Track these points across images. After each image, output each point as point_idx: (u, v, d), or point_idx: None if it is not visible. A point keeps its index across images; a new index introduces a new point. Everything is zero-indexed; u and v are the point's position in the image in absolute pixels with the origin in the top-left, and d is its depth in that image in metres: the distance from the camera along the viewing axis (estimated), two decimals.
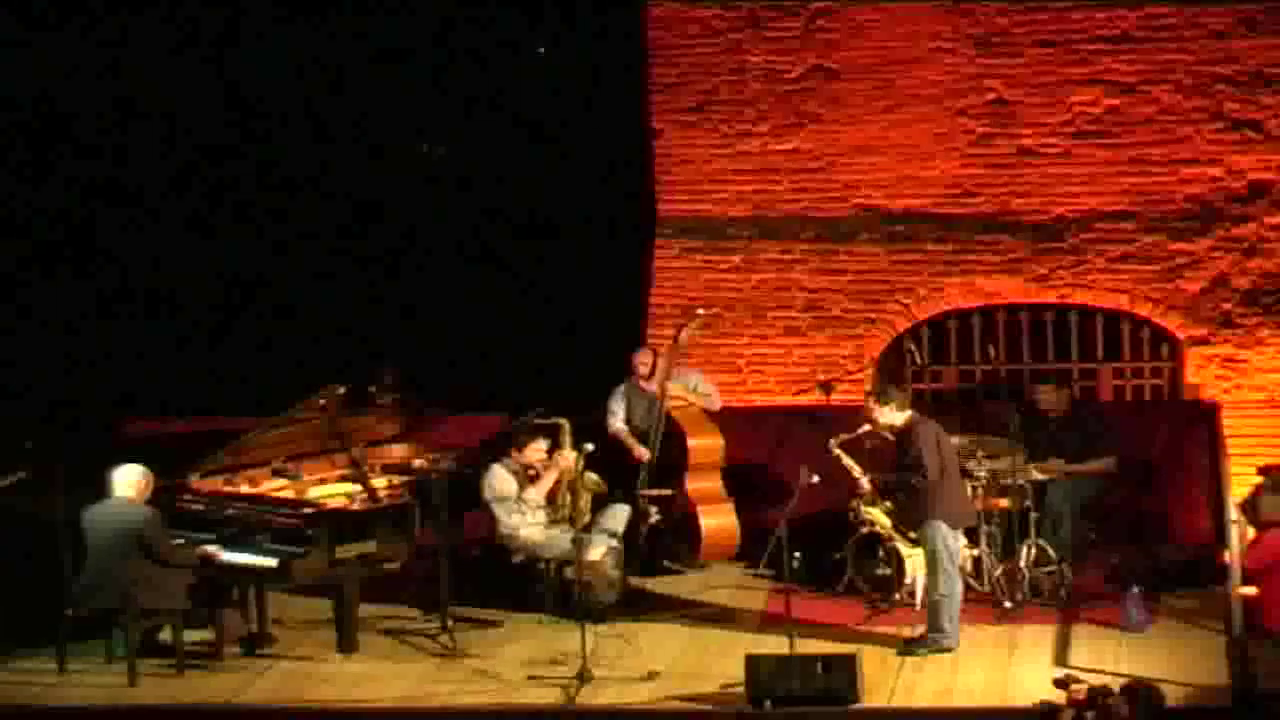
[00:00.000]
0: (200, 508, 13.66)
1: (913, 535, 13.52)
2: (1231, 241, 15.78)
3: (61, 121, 17.02)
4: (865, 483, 13.89)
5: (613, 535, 14.15)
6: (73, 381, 16.51)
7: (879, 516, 13.92)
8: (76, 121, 17.02)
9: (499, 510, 14.07)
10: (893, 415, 13.18)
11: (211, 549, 13.29)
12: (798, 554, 13.49)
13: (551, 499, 14.17)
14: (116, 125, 17.00)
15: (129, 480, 13.14)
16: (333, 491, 14.04)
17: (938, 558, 12.95)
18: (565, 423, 14.32)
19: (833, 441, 13.91)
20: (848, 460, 13.93)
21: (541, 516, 14.17)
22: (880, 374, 15.98)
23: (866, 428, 13.60)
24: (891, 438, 13.39)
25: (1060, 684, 11.82)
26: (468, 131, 16.95)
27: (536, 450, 14.10)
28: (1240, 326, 15.75)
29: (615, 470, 14.57)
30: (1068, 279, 15.99)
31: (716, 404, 15.32)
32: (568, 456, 14.15)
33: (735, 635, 13.49)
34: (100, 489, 13.17)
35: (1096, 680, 11.64)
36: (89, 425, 15.69)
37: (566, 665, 12.87)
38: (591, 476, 14.27)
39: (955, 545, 13.06)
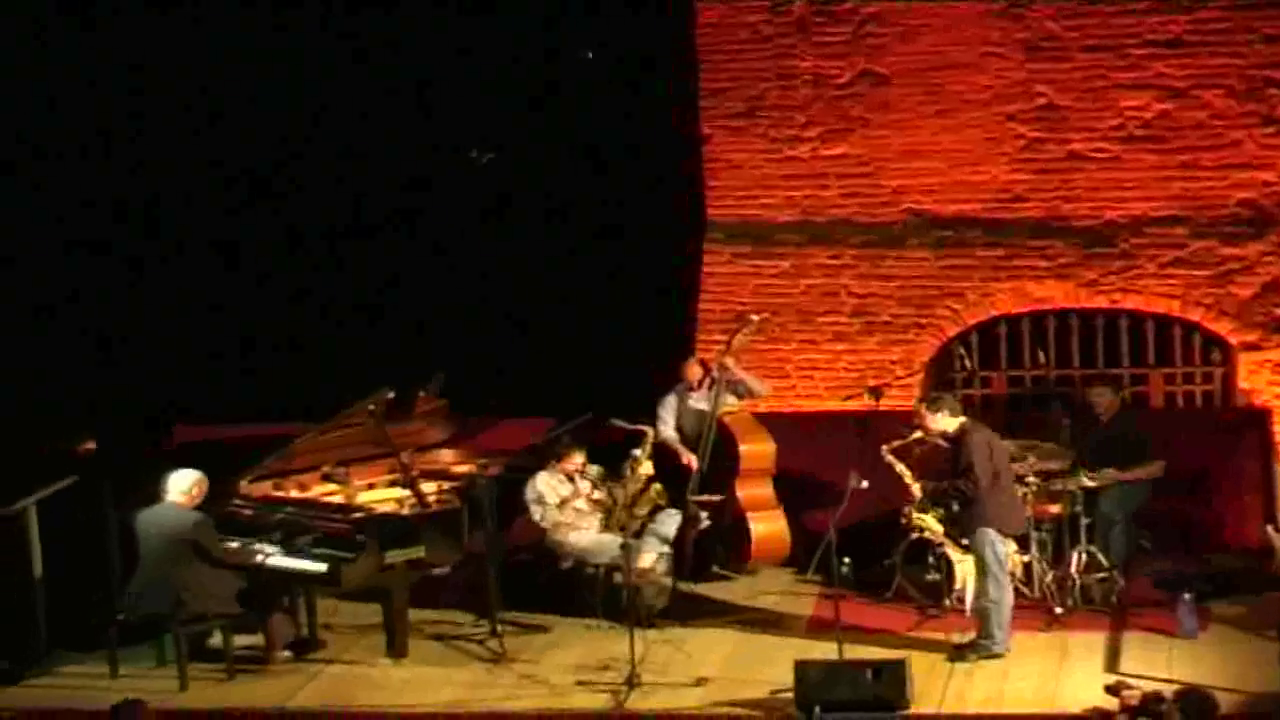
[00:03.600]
0: (250, 513, 13.71)
1: (964, 542, 13.47)
2: None
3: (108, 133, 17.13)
4: (917, 489, 13.84)
5: (663, 541, 14.17)
6: (124, 388, 16.56)
7: (930, 523, 13.86)
8: (125, 131, 17.12)
9: (536, 513, 14.08)
10: (945, 422, 13.13)
11: (270, 549, 13.33)
12: (847, 559, 13.50)
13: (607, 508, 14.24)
14: (170, 135, 17.07)
15: (182, 486, 13.19)
16: (382, 496, 14.08)
17: (987, 564, 12.91)
18: (650, 431, 14.38)
19: (885, 448, 13.87)
20: (900, 467, 13.88)
21: (592, 521, 14.19)
22: (929, 379, 15.93)
23: (917, 434, 13.57)
24: (944, 444, 13.36)
25: (1112, 691, 11.79)
26: (516, 137, 16.96)
27: (573, 461, 14.12)
28: None
29: (665, 476, 14.56)
30: (1118, 284, 15.92)
31: (764, 389, 15.29)
32: (646, 465, 14.19)
33: (784, 641, 13.45)
34: (151, 494, 13.23)
35: (1148, 687, 11.60)
36: (140, 431, 15.74)
37: (615, 670, 12.87)
38: (657, 487, 14.28)
39: (1004, 551, 13.01)
